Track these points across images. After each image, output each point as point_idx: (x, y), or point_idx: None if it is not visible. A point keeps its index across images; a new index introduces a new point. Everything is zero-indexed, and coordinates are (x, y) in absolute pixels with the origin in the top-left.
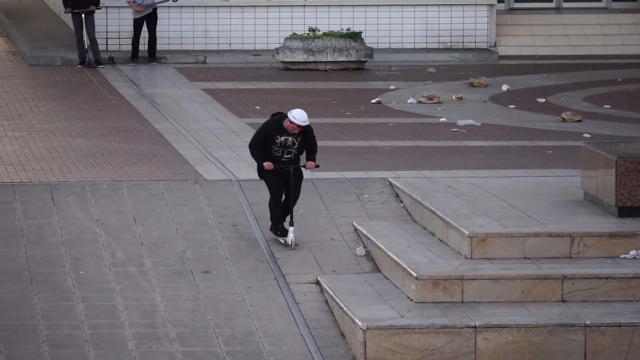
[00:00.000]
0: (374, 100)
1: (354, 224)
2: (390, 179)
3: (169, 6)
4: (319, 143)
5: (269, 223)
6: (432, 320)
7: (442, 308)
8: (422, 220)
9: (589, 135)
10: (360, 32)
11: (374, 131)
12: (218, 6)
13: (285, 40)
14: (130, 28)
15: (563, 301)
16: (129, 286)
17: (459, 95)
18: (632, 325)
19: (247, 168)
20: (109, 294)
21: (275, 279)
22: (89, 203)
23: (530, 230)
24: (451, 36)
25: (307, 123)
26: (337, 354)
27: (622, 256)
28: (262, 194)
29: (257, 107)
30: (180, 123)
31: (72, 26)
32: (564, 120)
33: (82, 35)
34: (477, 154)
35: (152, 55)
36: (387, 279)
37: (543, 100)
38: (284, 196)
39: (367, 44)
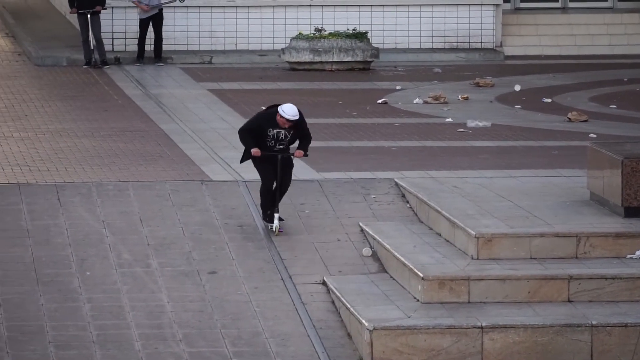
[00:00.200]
0: (380, 101)
1: (360, 224)
2: (396, 179)
3: (175, 6)
4: (325, 143)
5: None
6: (438, 321)
7: (448, 308)
8: (428, 220)
9: (595, 136)
10: (366, 32)
11: (380, 131)
12: (224, 6)
13: (291, 40)
14: (136, 28)
15: (569, 301)
16: (135, 287)
17: (465, 96)
18: (638, 325)
19: (253, 169)
20: (116, 295)
21: (282, 279)
22: (95, 204)
23: (537, 230)
24: (457, 36)
25: (296, 117)
26: (343, 355)
27: (629, 256)
28: None
29: (263, 108)
30: (186, 123)
31: (77, 26)
32: (570, 120)
33: (88, 36)
34: (483, 154)
35: (158, 56)
36: (394, 279)
37: (549, 100)
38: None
39: (373, 44)
